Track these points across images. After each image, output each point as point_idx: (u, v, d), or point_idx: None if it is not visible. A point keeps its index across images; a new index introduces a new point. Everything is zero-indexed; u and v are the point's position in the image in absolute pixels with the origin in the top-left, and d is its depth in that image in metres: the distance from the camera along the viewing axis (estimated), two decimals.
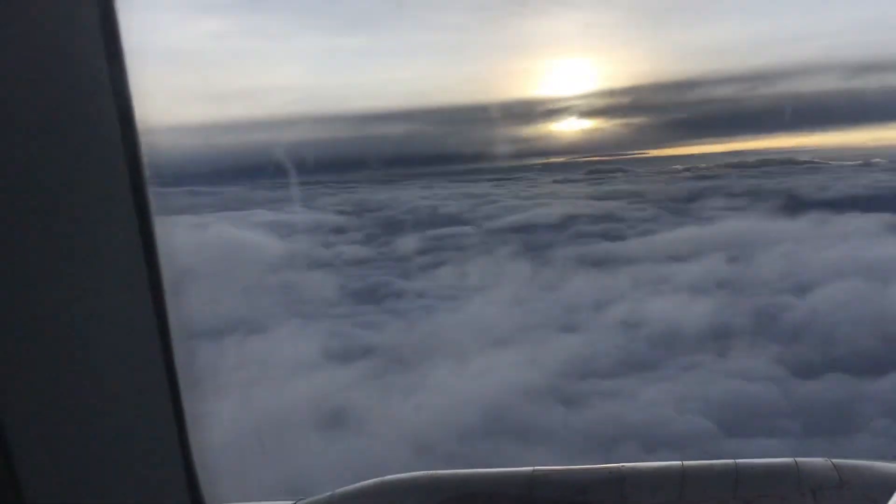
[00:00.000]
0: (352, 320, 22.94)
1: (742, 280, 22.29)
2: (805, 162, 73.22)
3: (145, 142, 1.18)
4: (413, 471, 2.15)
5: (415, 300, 25.09)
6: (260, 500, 2.63)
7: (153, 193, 1.21)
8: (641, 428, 16.31)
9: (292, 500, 2.22)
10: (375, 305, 25.07)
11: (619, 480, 2.05)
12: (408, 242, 35.68)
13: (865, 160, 70.03)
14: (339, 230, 40.97)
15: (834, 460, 2.09)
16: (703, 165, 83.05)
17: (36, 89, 1.01)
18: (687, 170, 79.13)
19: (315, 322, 22.77)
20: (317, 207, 53.20)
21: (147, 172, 1.19)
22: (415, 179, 78.73)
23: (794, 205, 38.23)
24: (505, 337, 19.83)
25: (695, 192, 50.60)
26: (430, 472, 2.13)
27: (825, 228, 29.68)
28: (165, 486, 1.24)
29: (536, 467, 2.11)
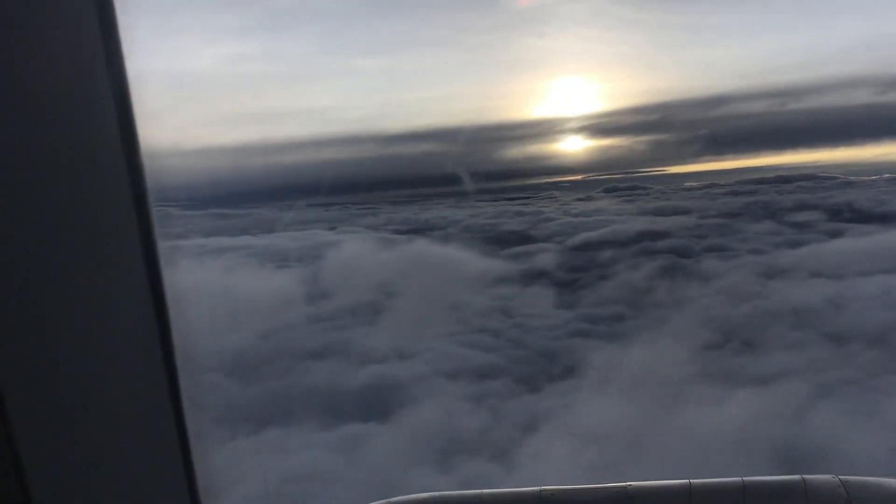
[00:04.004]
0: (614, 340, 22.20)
1: None
2: (827, 178, 74.37)
3: (150, 164, 1.20)
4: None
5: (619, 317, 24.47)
6: None
7: (158, 215, 1.22)
8: (831, 451, 15.42)
9: None
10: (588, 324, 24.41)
11: (627, 499, 2.05)
12: (539, 260, 34.89)
13: (886, 174, 71.47)
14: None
15: (841, 476, 2.07)
16: (722, 182, 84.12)
17: (37, 109, 1.04)
18: (709, 186, 79.96)
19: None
20: (368, 227, 52.18)
21: (151, 195, 1.21)
22: (442, 198, 78.21)
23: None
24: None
25: (755, 208, 50.74)
26: (435, 493, 2.14)
27: None
28: (165, 488, 1.28)
29: (543, 487, 2.11)
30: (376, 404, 19.07)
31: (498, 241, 42.59)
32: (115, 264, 1.18)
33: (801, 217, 42.07)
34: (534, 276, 32.09)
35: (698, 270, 30.63)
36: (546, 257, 35.82)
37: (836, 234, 34.82)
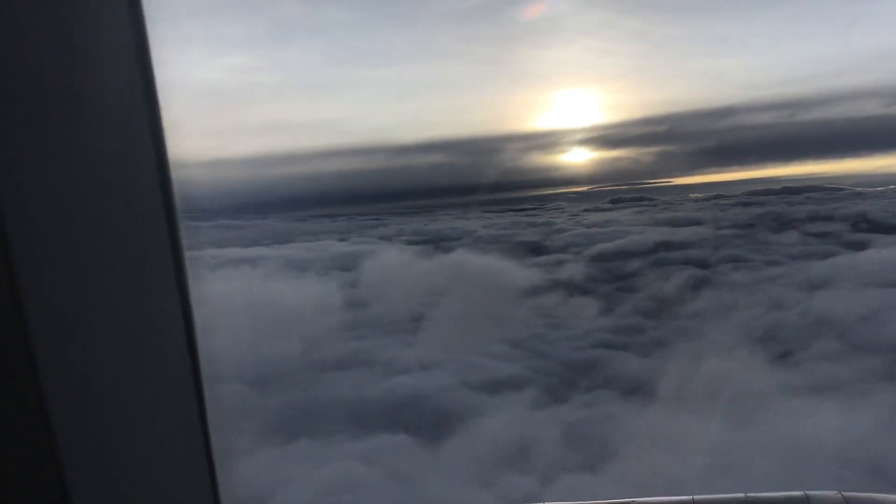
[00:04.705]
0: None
1: None
2: (834, 189, 74.33)
3: (177, 175, 1.22)
4: None
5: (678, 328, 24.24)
6: None
7: (187, 227, 1.25)
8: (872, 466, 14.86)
9: None
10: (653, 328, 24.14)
11: None
12: (558, 271, 34.64)
13: (891, 186, 71.52)
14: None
15: (845, 493, 2.05)
16: (727, 193, 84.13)
17: (70, 117, 1.06)
18: (715, 197, 79.96)
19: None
20: (380, 238, 51.91)
21: (179, 205, 1.23)
22: (449, 209, 78.20)
23: None
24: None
25: (768, 219, 50.62)
26: None
27: None
28: (190, 493, 1.32)
29: (547, 503, 2.16)
30: (407, 415, 18.88)
31: (515, 252, 42.35)
32: (146, 273, 1.20)
33: (824, 228, 41.92)
34: (556, 287, 31.85)
35: (725, 281, 30.44)
36: (565, 268, 35.62)
37: (860, 245, 34.60)
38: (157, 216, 1.19)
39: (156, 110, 1.16)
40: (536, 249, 43.09)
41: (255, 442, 17.07)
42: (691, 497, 2.08)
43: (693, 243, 42.24)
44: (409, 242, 48.81)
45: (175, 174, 1.20)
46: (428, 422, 18.16)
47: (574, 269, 35.08)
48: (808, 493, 2.06)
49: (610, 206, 78.92)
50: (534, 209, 79.36)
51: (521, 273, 33.93)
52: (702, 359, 20.18)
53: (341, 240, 49.18)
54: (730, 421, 16.40)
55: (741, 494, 2.08)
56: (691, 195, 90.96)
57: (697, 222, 52.08)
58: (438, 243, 47.04)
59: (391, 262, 35.69)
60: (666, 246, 41.63)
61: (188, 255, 1.25)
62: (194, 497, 1.32)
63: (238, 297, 24.87)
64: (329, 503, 14.30)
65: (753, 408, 17.00)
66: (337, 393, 20.56)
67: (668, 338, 23.79)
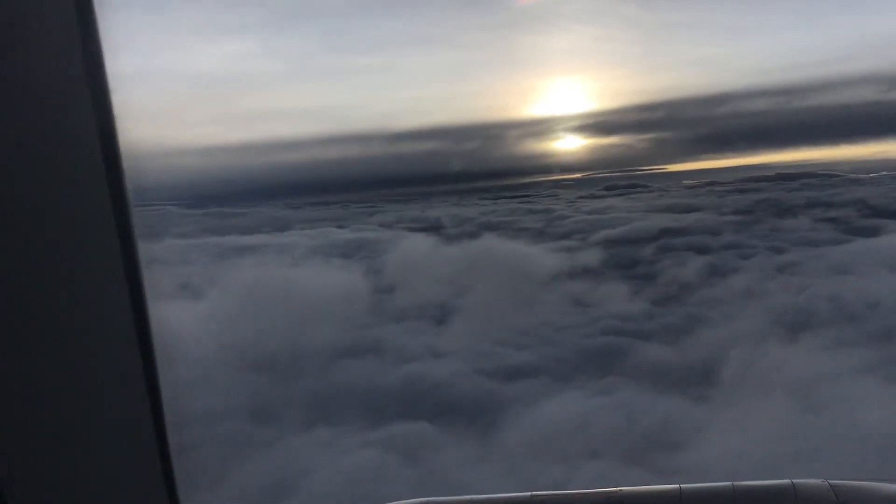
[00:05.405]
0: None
1: None
2: (828, 175, 74.55)
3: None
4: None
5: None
6: None
7: (137, 214, 1.23)
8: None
9: None
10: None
11: None
12: (566, 258, 34.27)
13: (883, 172, 71.87)
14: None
15: (831, 481, 2.07)
16: (721, 180, 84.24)
17: (14, 113, 1.05)
18: (710, 184, 79.97)
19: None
20: (380, 225, 51.30)
21: (130, 194, 1.21)
22: (442, 196, 77.68)
23: None
24: None
25: (766, 205, 50.65)
26: (428, 498, 2.17)
27: None
28: (143, 488, 1.30)
29: (535, 492, 2.13)
30: (427, 403, 18.66)
31: (521, 239, 42.00)
32: (92, 265, 1.16)
33: (828, 214, 41.90)
34: (568, 274, 31.52)
35: (737, 267, 30.21)
36: (574, 255, 35.31)
37: (871, 231, 34.51)
38: (104, 205, 1.13)
39: (105, 98, 1.12)
40: (541, 236, 42.72)
41: (276, 430, 16.78)
42: (679, 486, 2.08)
43: (698, 230, 42.09)
44: (410, 230, 48.29)
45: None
46: (448, 409, 17.90)
47: (583, 256, 34.79)
48: (795, 481, 2.06)
49: (605, 192, 78.70)
50: (529, 196, 78.93)
51: (532, 260, 33.59)
52: (729, 345, 19.94)
53: (340, 227, 48.54)
54: (763, 407, 16.18)
55: (728, 483, 2.08)
56: (685, 182, 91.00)
57: (698, 209, 51.94)
58: (440, 230, 46.52)
59: (402, 248, 35.23)
60: (671, 232, 41.50)
61: (142, 245, 1.20)
62: (149, 498, 1.27)
63: (251, 285, 24.34)
64: (350, 491, 14.05)
65: (785, 393, 16.79)
66: (354, 380, 20.27)
67: (689, 324, 23.53)
